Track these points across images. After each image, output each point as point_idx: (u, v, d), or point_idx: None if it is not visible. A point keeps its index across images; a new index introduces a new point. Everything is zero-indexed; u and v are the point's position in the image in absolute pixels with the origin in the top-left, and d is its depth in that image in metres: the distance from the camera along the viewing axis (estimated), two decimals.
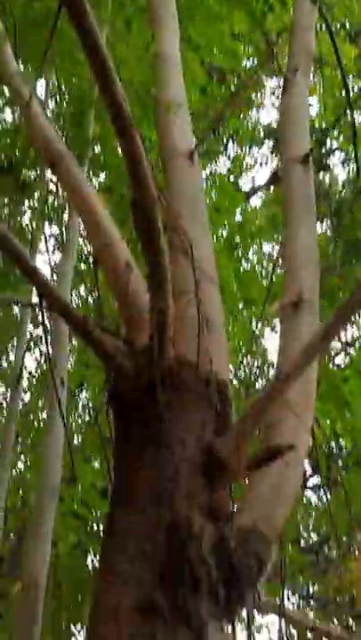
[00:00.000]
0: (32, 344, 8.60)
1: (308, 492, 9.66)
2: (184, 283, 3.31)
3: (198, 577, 2.44)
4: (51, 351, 3.88)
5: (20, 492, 8.19)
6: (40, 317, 3.09)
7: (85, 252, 8.15)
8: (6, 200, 7.65)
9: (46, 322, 2.99)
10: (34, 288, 2.81)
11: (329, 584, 7.56)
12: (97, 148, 7.00)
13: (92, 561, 6.35)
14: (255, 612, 3.70)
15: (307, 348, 2.84)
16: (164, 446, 2.69)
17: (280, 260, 4.55)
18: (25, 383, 9.08)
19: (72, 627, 5.78)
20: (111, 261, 3.20)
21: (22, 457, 8.74)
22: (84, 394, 8.87)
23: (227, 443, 2.75)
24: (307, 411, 3.24)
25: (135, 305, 3.02)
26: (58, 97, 7.61)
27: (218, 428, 2.89)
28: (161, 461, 2.68)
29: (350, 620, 7.15)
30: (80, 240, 7.12)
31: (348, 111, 6.48)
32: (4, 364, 8.84)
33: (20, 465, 8.82)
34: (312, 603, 10.13)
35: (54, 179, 8.20)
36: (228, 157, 11.03)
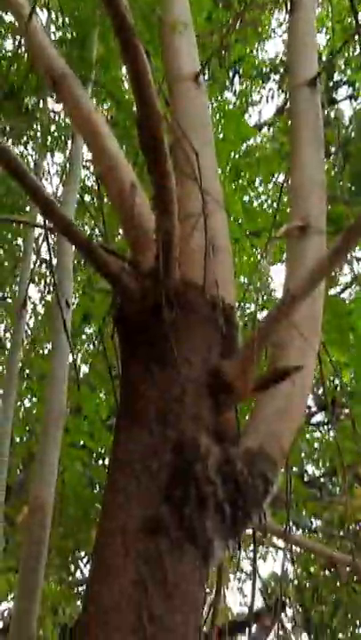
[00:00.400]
0: (36, 277, 8.60)
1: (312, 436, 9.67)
2: (190, 206, 3.28)
3: (204, 496, 2.46)
4: (55, 275, 3.85)
5: (28, 426, 8.28)
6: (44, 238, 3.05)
7: (89, 185, 8.09)
8: (8, 127, 7.56)
9: (50, 241, 2.94)
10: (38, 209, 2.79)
11: (334, 512, 7.66)
12: (101, 75, 6.89)
13: (99, 490, 6.43)
14: (261, 535, 3.73)
15: (314, 269, 2.82)
16: (169, 366, 2.68)
17: (287, 187, 4.49)
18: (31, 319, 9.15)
19: (78, 552, 5.88)
20: (116, 183, 3.15)
21: (28, 390, 8.79)
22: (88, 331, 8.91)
23: (233, 365, 2.75)
24: (313, 333, 3.24)
25: (141, 227, 2.99)
26: (60, 21, 7.46)
27: (224, 351, 2.89)
28: (167, 382, 2.68)
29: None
30: (83, 172, 7.05)
31: (356, 37, 6.35)
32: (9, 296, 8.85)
33: (27, 401, 8.88)
34: (317, 535, 10.31)
35: (56, 106, 8.12)
36: (234, 93, 10.85)
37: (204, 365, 2.75)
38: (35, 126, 8.22)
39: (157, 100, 2.63)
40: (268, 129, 11.26)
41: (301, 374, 2.96)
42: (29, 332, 8.80)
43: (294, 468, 7.49)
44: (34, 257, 6.30)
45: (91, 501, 5.68)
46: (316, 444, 9.14)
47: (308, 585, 8.45)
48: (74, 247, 3.43)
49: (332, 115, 10.41)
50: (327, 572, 7.77)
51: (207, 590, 2.63)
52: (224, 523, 2.51)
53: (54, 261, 4.04)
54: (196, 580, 2.37)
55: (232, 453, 2.64)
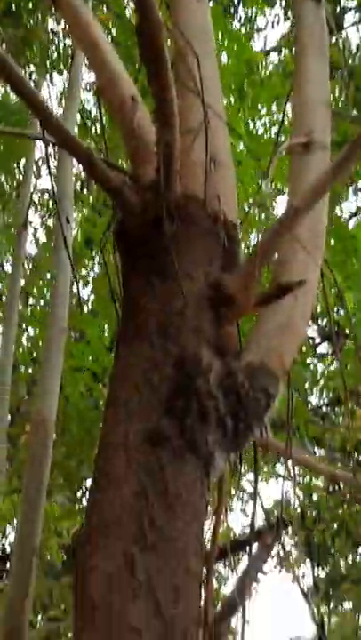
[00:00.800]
0: (37, 198, 8.55)
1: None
2: (191, 120, 3.21)
3: (206, 409, 2.46)
4: (56, 191, 3.80)
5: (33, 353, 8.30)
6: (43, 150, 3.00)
7: (88, 108, 7.97)
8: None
9: (50, 153, 2.89)
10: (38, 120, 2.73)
11: (336, 434, 7.74)
12: None
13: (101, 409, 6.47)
14: (262, 450, 3.76)
15: (317, 182, 2.79)
16: (170, 280, 2.66)
17: (290, 103, 4.42)
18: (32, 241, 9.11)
19: (82, 472, 5.95)
20: (116, 96, 3.09)
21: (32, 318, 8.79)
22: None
23: (235, 278, 2.73)
24: (316, 249, 3.21)
25: (141, 140, 2.94)
26: None
27: (225, 266, 2.86)
28: (167, 295, 2.66)
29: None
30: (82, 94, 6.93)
31: None
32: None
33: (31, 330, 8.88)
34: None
35: (56, 26, 7.96)
36: (239, 20, 10.57)
37: (205, 279, 2.73)
38: (34, 48, 8.07)
39: (157, 6, 2.56)
40: (276, 52, 11.03)
41: (304, 289, 2.94)
42: (31, 260, 8.78)
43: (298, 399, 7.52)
44: (34, 180, 6.24)
45: (94, 421, 5.73)
46: (319, 375, 9.20)
47: (309, 506, 8.58)
48: (75, 162, 3.38)
49: (340, 41, 10.21)
50: (328, 494, 7.89)
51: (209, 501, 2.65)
52: (225, 435, 2.52)
53: (54, 184, 4.00)
54: (197, 490, 2.39)
55: (233, 367, 2.64)
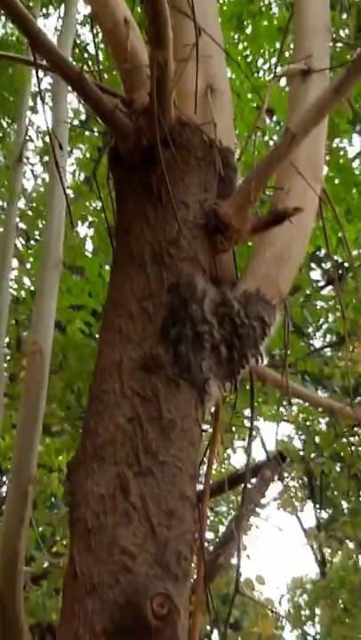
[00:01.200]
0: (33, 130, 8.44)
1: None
2: (188, 47, 3.14)
3: (200, 335, 2.46)
4: (50, 121, 3.73)
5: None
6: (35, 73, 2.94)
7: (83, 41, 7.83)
8: None
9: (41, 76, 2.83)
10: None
11: (335, 368, 7.76)
12: None
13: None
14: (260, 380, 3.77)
15: (314, 106, 2.73)
16: (164, 207, 2.63)
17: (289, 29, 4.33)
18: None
19: (79, 404, 5.98)
20: (110, 19, 3.00)
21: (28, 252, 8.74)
22: None
23: (230, 204, 2.69)
24: (315, 177, 3.18)
25: (134, 62, 2.87)
26: None
27: (221, 194, 2.83)
28: (162, 223, 2.63)
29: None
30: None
31: None
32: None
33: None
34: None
35: None
36: None
37: (200, 207, 2.70)
38: None
39: None
40: None
41: (302, 218, 2.92)
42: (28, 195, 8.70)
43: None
44: (29, 112, 6.15)
45: (92, 355, 5.73)
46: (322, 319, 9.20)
47: (308, 440, 8.64)
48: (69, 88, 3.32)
49: None
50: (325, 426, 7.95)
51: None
52: (220, 362, 2.52)
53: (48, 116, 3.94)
54: (192, 417, 2.40)
55: (229, 295, 2.62)
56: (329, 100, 2.67)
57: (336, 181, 5.99)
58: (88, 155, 8.48)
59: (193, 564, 2.34)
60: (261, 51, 7.52)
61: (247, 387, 3.84)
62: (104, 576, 2.04)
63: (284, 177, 3.13)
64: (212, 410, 3.23)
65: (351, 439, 6.65)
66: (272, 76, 3.69)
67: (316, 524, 14.68)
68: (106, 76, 5.85)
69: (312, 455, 8.76)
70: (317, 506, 14.50)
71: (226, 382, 2.59)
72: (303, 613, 14.33)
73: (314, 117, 2.70)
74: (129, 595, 1.99)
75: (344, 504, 10.97)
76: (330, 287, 11.62)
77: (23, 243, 8.94)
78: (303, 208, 2.84)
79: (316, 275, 13.24)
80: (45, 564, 8.03)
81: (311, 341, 12.41)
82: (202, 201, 2.72)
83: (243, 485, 3.84)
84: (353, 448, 6.83)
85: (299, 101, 3.40)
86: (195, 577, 2.79)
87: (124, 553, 2.07)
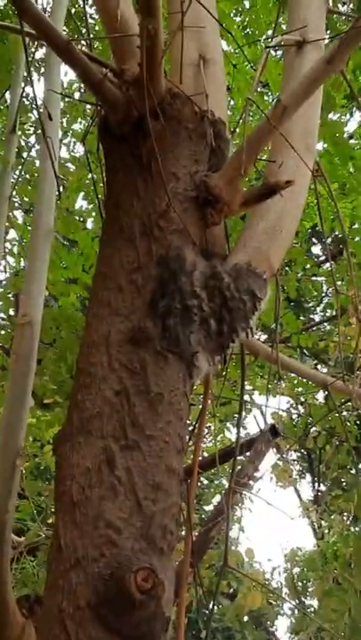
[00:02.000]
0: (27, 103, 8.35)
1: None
2: (180, 16, 3.09)
3: (189, 308, 2.43)
4: (42, 91, 3.68)
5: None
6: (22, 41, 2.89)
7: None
8: None
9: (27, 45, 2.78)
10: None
11: (329, 342, 7.76)
12: None
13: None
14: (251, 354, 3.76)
15: (308, 77, 2.69)
16: (155, 179, 2.60)
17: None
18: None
19: (71, 378, 5.97)
20: None
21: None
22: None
23: (221, 176, 2.66)
24: (308, 151, 3.14)
25: (125, 31, 2.82)
26: None
27: (212, 166, 2.79)
28: (152, 196, 2.60)
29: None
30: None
31: None
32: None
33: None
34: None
35: None
36: None
37: (190, 179, 2.67)
38: None
39: None
40: None
41: (293, 191, 2.89)
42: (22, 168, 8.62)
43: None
44: (23, 84, 6.07)
45: (83, 327, 5.69)
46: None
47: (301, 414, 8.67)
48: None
49: None
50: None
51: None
52: (209, 336, 2.50)
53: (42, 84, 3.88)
54: (180, 390, 2.38)
55: (219, 269, 2.60)
56: (321, 72, 2.63)
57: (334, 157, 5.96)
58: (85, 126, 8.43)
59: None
60: (258, 22, 7.42)
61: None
62: (89, 549, 2.04)
63: (277, 150, 3.10)
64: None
65: (345, 414, 6.65)
66: (269, 43, 3.62)
67: (314, 497, 14.78)
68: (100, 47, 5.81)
69: (312, 429, 8.79)
70: (315, 478, 14.60)
71: (215, 356, 2.57)
72: (298, 585, 14.45)
73: (306, 89, 2.66)
74: (113, 568, 1.98)
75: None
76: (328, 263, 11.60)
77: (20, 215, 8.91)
78: (295, 181, 2.81)
79: (316, 249, 13.25)
80: (42, 535, 8.06)
81: (311, 316, 12.44)
82: (192, 173, 2.69)
83: (233, 459, 3.83)
84: (347, 423, 6.84)
85: (292, 73, 3.35)
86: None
87: (109, 526, 2.07)
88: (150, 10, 2.48)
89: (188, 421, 2.51)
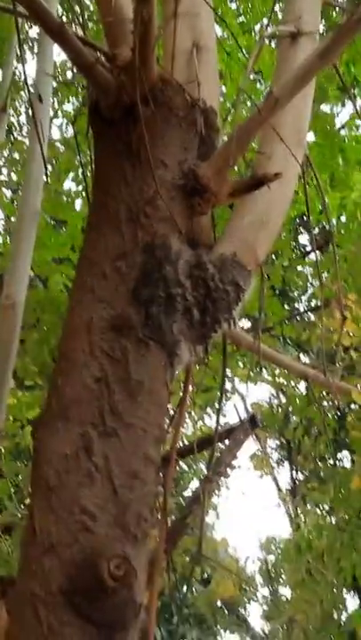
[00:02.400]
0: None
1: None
2: (174, 3, 3.08)
3: (172, 297, 2.43)
4: (35, 70, 3.65)
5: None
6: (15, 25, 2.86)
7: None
8: None
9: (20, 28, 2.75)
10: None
11: (312, 334, 7.77)
12: None
13: None
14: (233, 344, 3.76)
15: (300, 70, 2.68)
16: (143, 167, 2.59)
17: None
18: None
19: (54, 361, 5.95)
20: None
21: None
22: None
23: (209, 166, 2.65)
24: (298, 144, 3.14)
25: (118, 16, 2.80)
26: None
27: (202, 155, 2.78)
28: (139, 183, 2.59)
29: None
30: None
31: None
32: None
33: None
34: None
35: None
36: None
37: (179, 167, 2.66)
38: None
39: None
40: None
41: (282, 184, 2.88)
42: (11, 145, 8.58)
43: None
44: (15, 62, 6.02)
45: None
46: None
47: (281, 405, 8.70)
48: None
49: None
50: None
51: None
52: (192, 326, 2.50)
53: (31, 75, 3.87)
54: (160, 379, 2.38)
55: (204, 258, 2.60)
56: (314, 66, 2.63)
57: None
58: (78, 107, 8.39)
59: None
60: (253, 10, 7.40)
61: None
62: (63, 535, 2.04)
63: (267, 141, 3.09)
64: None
65: (325, 404, 6.69)
66: (264, 34, 3.61)
67: (291, 486, 14.85)
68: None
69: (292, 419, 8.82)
70: (293, 466, 14.66)
71: (197, 345, 2.57)
72: (272, 573, 14.55)
73: (298, 82, 2.66)
74: (87, 555, 1.99)
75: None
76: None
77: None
78: (284, 174, 2.81)
79: (303, 239, 13.27)
80: (18, 515, 8.08)
81: (296, 305, 12.47)
82: (181, 161, 2.68)
83: (211, 449, 3.84)
84: (326, 415, 6.87)
85: (286, 64, 3.34)
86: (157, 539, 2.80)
87: (84, 513, 2.07)
88: None
89: (168, 409, 2.51)
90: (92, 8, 7.35)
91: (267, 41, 5.07)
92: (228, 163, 2.62)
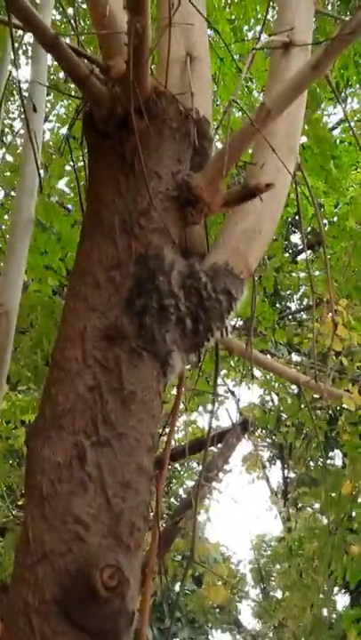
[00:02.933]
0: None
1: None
2: (167, 13, 3.09)
3: (165, 307, 2.45)
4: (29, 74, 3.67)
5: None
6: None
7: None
8: None
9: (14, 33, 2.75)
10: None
11: (304, 338, 7.79)
12: None
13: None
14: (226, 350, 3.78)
15: (292, 81, 2.70)
16: (137, 177, 2.60)
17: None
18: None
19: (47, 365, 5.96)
20: None
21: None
22: None
23: (202, 177, 2.67)
24: (290, 152, 3.16)
25: (112, 27, 2.82)
26: None
27: (195, 165, 2.80)
28: (133, 194, 2.60)
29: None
30: None
31: None
32: None
33: None
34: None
35: None
36: None
37: (172, 178, 2.67)
38: None
39: None
40: None
41: (274, 193, 2.91)
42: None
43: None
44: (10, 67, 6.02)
45: (60, 315, 5.62)
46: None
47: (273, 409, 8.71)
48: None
49: None
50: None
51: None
52: (185, 335, 2.52)
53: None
54: (153, 389, 2.39)
55: (197, 268, 2.62)
56: (307, 77, 2.65)
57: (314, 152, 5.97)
58: (71, 109, 8.40)
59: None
60: (246, 17, 7.41)
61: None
62: (56, 544, 2.05)
63: (259, 150, 3.11)
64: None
65: (318, 412, 6.71)
66: (256, 44, 3.62)
67: (283, 485, 14.88)
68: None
69: (284, 421, 8.83)
70: (285, 466, 14.68)
71: (190, 355, 2.59)
72: (263, 573, 14.56)
73: (291, 94, 2.68)
74: (80, 564, 2.00)
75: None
76: (308, 252, 11.65)
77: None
78: (276, 183, 2.83)
79: (295, 238, 13.31)
80: (10, 517, 8.09)
81: (288, 304, 12.51)
82: (175, 172, 2.70)
83: (203, 454, 3.86)
84: (317, 420, 6.88)
85: (278, 74, 3.36)
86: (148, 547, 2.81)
87: (77, 522, 2.08)
88: (139, 7, 2.49)
89: (160, 419, 2.53)
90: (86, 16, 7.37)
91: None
92: (220, 173, 2.63)
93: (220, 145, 3.17)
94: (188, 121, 2.80)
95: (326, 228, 7.09)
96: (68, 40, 2.56)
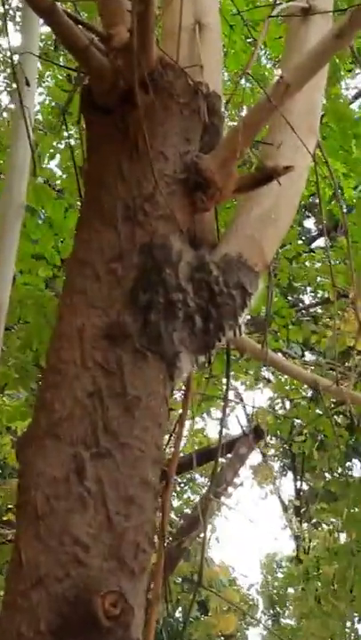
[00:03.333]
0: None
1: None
2: None
3: (173, 303, 2.43)
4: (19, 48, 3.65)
5: None
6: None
7: None
8: None
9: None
10: None
11: (322, 337, 7.78)
12: None
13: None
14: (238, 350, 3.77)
15: (313, 54, 2.69)
16: (141, 158, 2.59)
17: None
18: None
19: (38, 367, 5.95)
20: None
21: None
22: None
23: (214, 158, 2.66)
24: (309, 132, 3.15)
25: None
26: None
27: (205, 145, 2.79)
28: (137, 177, 2.59)
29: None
30: None
31: None
32: None
33: None
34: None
35: None
36: None
37: (180, 159, 2.65)
38: None
39: None
40: None
41: (292, 176, 2.89)
42: None
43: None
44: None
45: (53, 310, 5.63)
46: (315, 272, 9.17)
47: (287, 415, 8.68)
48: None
49: None
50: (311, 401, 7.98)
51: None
52: (194, 334, 2.50)
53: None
54: (159, 394, 2.38)
55: (207, 259, 2.60)
56: (330, 48, 2.64)
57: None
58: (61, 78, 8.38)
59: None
60: None
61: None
62: (53, 567, 2.04)
63: (275, 128, 3.10)
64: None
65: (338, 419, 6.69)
66: (272, 10, 3.60)
67: (296, 501, 14.86)
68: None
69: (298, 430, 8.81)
70: (297, 476, 14.66)
71: (199, 356, 2.58)
72: (274, 596, 14.56)
73: (312, 66, 2.67)
74: (80, 590, 1.99)
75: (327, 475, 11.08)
76: (322, 239, 11.63)
77: None
78: (295, 166, 2.82)
79: (309, 223, 13.29)
80: None
81: (302, 296, 12.50)
82: (183, 153, 2.68)
83: (213, 467, 3.84)
84: (338, 426, 6.87)
85: (296, 44, 3.36)
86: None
87: (76, 543, 2.07)
88: None
89: (167, 427, 2.52)
90: None
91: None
92: (233, 154, 2.62)
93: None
94: (198, 96, 2.78)
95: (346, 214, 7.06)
96: (64, 6, 2.55)
